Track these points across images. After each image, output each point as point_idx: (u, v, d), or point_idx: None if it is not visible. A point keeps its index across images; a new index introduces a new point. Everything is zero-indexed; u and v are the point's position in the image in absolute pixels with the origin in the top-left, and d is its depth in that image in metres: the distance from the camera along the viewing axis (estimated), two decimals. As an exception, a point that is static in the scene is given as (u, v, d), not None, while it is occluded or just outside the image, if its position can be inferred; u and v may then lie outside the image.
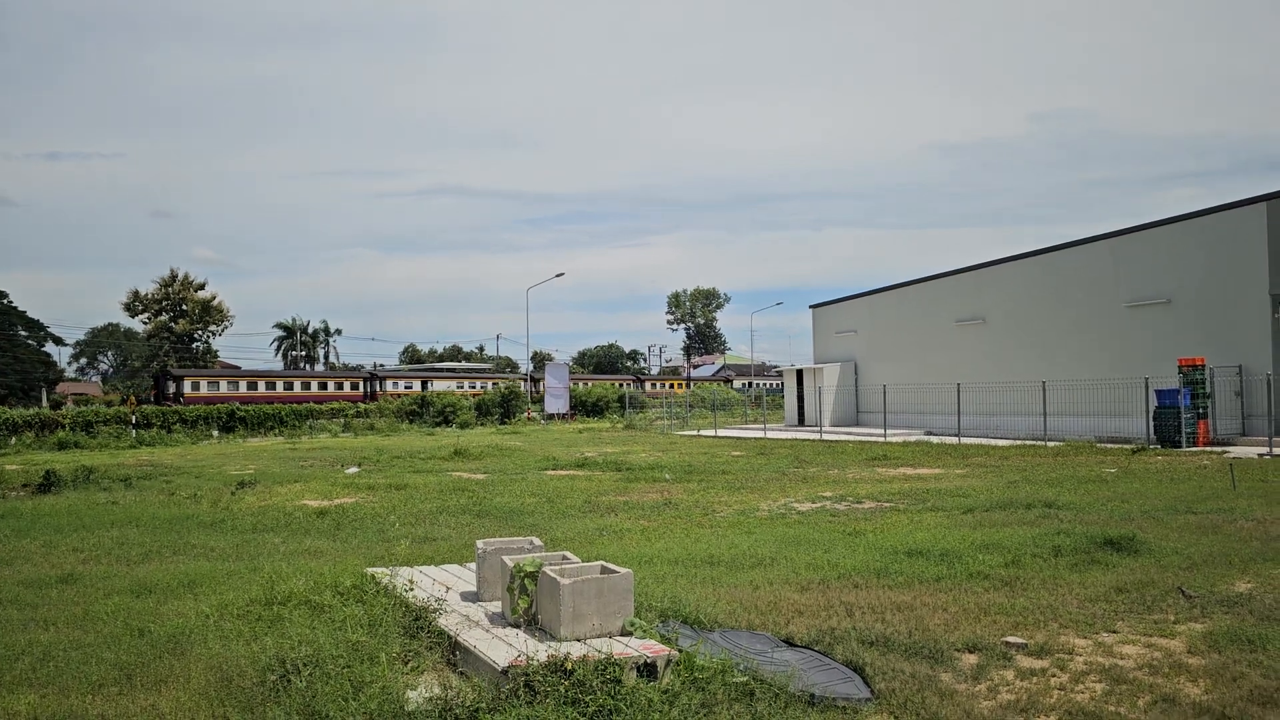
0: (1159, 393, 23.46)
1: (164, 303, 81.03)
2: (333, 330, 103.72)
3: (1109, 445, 23.70)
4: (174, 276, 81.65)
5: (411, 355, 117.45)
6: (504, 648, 5.47)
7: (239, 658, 5.59)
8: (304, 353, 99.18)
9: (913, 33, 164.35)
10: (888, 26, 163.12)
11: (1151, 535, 9.65)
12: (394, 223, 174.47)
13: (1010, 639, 6.04)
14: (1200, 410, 23.17)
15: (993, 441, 26.36)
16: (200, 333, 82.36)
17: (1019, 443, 25.57)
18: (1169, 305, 25.62)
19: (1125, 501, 12.80)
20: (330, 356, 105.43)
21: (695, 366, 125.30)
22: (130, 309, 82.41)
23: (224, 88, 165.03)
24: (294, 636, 5.73)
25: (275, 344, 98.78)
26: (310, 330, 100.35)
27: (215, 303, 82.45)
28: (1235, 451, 20.98)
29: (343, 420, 48.93)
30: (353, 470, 21.63)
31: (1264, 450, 20.46)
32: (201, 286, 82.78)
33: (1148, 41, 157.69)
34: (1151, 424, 23.62)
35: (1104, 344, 27.32)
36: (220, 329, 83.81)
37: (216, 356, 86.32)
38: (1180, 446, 22.51)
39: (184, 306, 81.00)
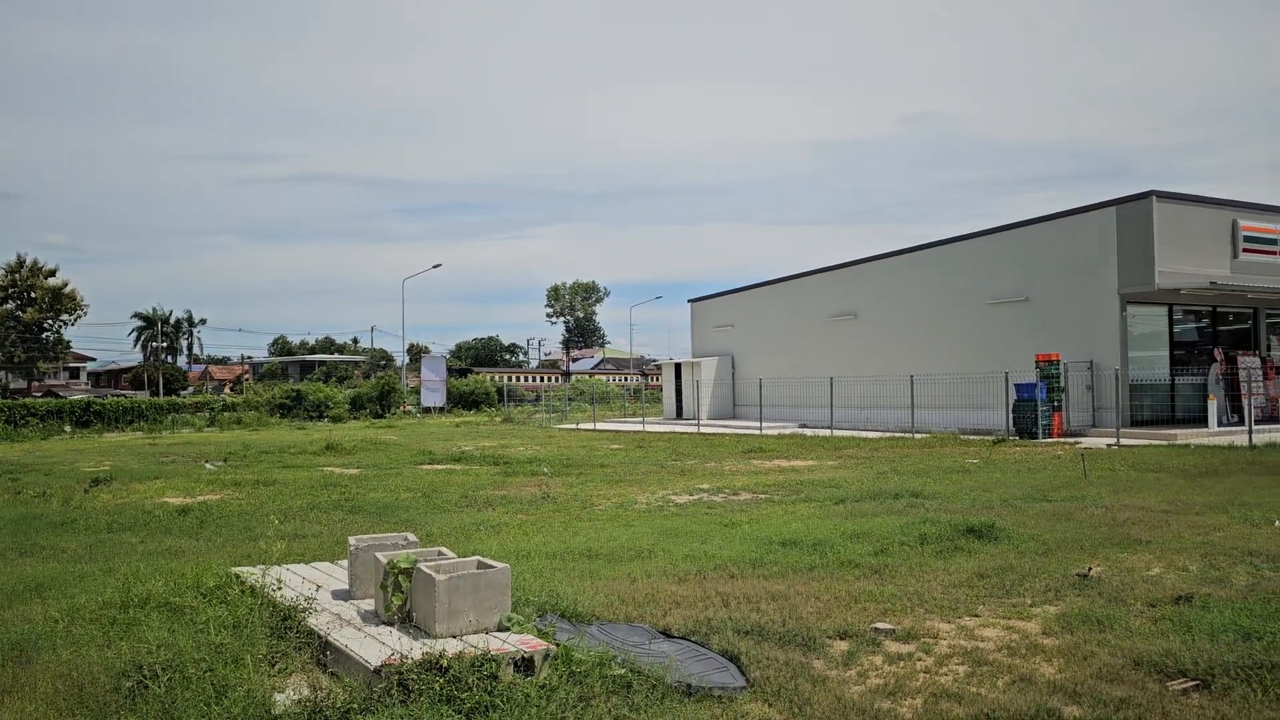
0: (1018, 386, 24.63)
1: (9, 290, 76.08)
2: (197, 321, 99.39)
3: (972, 436, 24.74)
4: (21, 262, 76.71)
5: (282, 347, 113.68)
6: (377, 646, 5.34)
7: (91, 664, 5.29)
8: (165, 344, 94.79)
9: (788, 33, 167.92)
10: (764, 26, 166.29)
11: (1010, 522, 10.10)
12: (262, 210, 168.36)
13: (879, 625, 6.22)
14: (1055, 403, 24.43)
15: (864, 434, 27.18)
16: (51, 322, 77.66)
17: (888, 435, 26.44)
18: (1027, 303, 26.89)
19: (986, 490, 13.37)
20: (194, 348, 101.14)
21: (574, 360, 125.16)
22: (-28, 296, 77.11)
23: (79, 62, 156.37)
24: (152, 640, 5.45)
25: (134, 335, 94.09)
26: (172, 321, 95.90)
27: (67, 290, 77.84)
28: (1087, 442, 22.20)
29: (208, 414, 47.05)
30: (217, 465, 20.80)
31: (1112, 441, 21.71)
32: (52, 273, 78.00)
33: (1006, 51, 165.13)
34: (1011, 416, 24.78)
35: (968, 340, 28.50)
36: (73, 318, 79.14)
37: (69, 347, 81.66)
38: (1037, 438, 23.68)
39: (32, 294, 76.27)
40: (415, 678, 4.76)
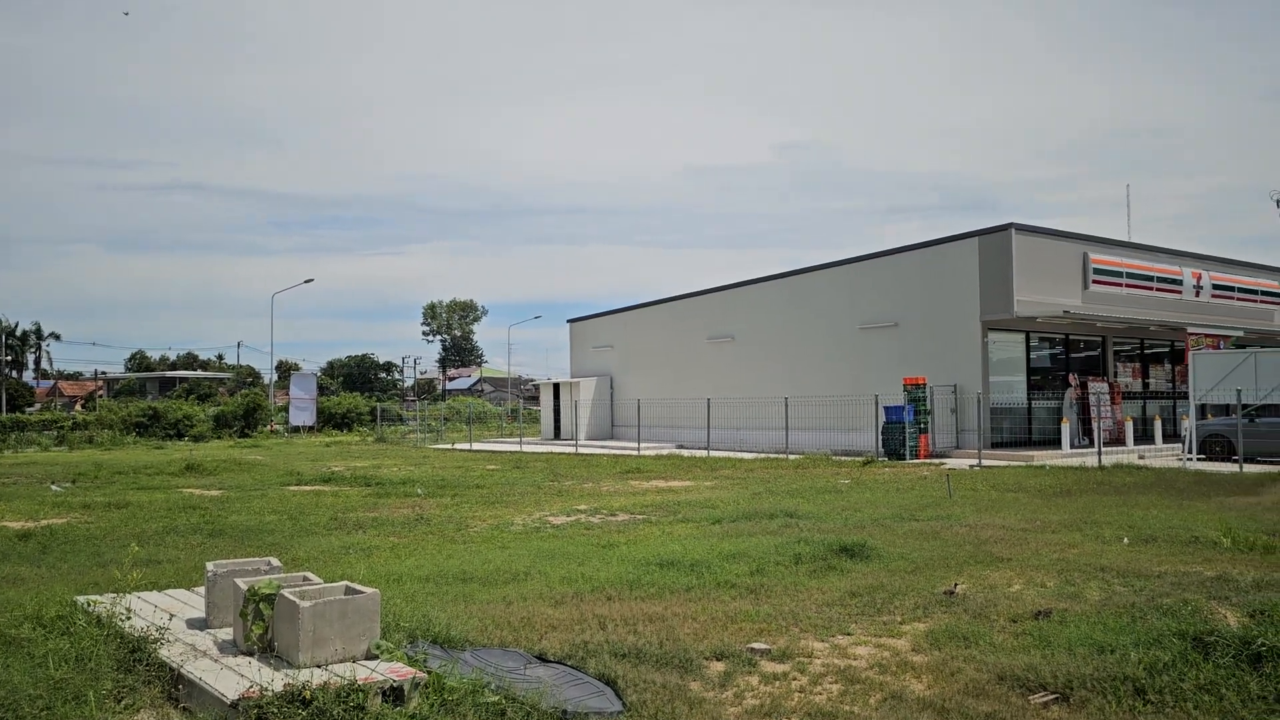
0: (887, 409, 25.41)
1: None
2: (46, 334, 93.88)
3: (844, 457, 25.37)
4: None
5: (140, 363, 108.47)
6: (234, 678, 5.06)
7: (-90, 705, 4.84)
8: (10, 358, 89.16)
9: (664, 58, 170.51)
10: (642, 52, 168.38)
11: (881, 542, 10.34)
12: (122, 219, 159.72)
13: (755, 645, 6.25)
14: (922, 425, 25.28)
15: (740, 454, 27.55)
16: (-120, 332, 72.26)
17: (764, 455, 26.88)
18: (896, 328, 27.81)
19: (858, 510, 13.68)
20: (43, 363, 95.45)
21: (451, 379, 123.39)
22: None
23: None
24: (-18, 677, 5.03)
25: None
26: (19, 333, 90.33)
27: (-101, 298, 72.62)
28: (951, 463, 23.03)
29: (56, 432, 44.43)
30: (64, 486, 19.58)
31: (975, 462, 22.58)
32: (-116, 280, 72.76)
33: (877, 85, 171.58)
34: (880, 438, 25.53)
35: (840, 363, 29.26)
36: (-96, 328, 73.84)
37: (-99, 360, 76.08)
38: (905, 459, 24.45)
39: None
40: (276, 711, 4.53)
